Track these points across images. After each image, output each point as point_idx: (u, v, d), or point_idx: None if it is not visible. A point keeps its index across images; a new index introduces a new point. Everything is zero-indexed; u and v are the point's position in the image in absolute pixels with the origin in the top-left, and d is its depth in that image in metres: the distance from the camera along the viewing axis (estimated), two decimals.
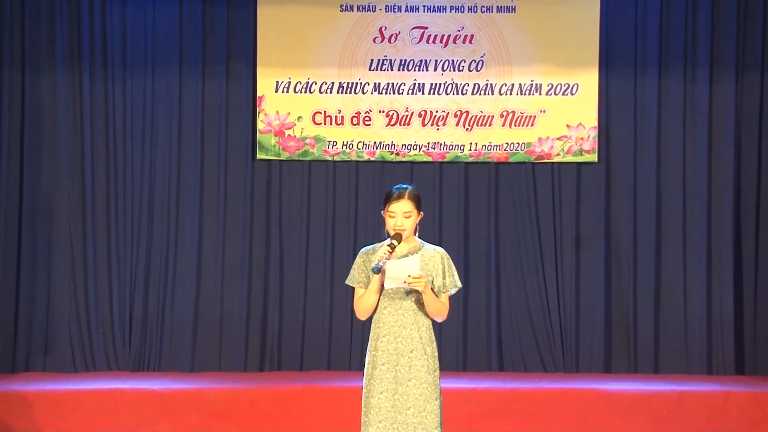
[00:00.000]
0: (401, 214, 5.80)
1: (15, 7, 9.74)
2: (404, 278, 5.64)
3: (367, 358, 5.87)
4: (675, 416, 8.92)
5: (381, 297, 5.84)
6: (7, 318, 9.74)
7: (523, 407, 8.99)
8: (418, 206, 5.88)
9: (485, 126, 9.94)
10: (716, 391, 9.11)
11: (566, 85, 9.93)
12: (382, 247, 5.77)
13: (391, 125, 9.93)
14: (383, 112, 9.93)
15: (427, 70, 9.93)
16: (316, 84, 9.90)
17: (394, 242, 5.75)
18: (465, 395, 8.92)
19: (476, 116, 9.93)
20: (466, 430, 8.73)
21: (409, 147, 9.94)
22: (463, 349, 9.94)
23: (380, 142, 9.94)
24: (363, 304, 5.88)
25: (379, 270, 5.65)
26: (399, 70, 9.92)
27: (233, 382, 9.32)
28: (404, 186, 5.95)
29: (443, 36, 9.92)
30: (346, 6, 9.88)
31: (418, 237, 5.97)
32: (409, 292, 5.79)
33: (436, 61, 9.92)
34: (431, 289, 5.82)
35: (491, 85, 9.93)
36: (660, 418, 8.92)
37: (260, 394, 9.04)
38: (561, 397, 9.06)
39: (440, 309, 5.85)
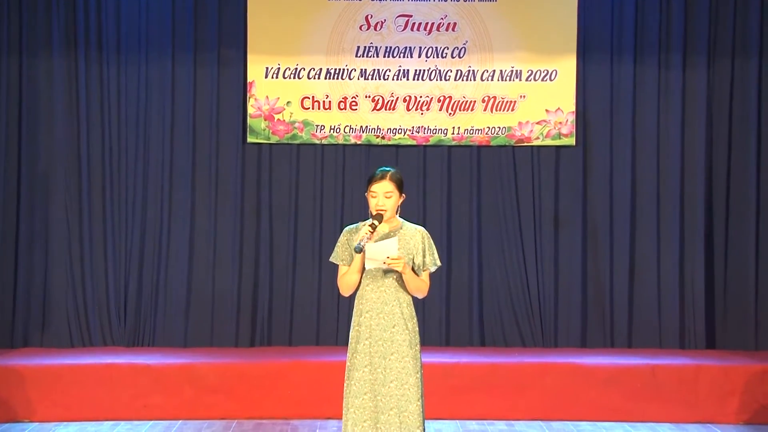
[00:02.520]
0: (382, 194, 5.84)
1: None
2: (384, 259, 5.69)
3: (351, 333, 5.90)
4: (648, 389, 8.92)
5: (364, 274, 5.87)
6: (6, 295, 9.74)
7: (503, 381, 8.98)
8: (400, 188, 5.91)
9: (467, 111, 9.94)
10: (688, 364, 9.11)
11: (545, 72, 9.93)
12: (364, 227, 5.80)
13: (377, 110, 9.93)
14: (369, 97, 9.92)
15: (411, 56, 9.92)
16: (304, 70, 9.89)
17: (375, 222, 5.78)
18: (447, 369, 8.92)
19: (459, 101, 9.94)
20: (449, 402, 8.73)
21: (394, 131, 9.94)
22: (445, 324, 9.95)
23: (366, 126, 9.93)
24: (346, 281, 5.93)
25: (360, 250, 5.69)
26: (384, 56, 9.92)
27: (225, 357, 9.30)
28: (387, 168, 5.99)
29: (427, 24, 9.91)
30: None
31: (400, 217, 5.99)
32: (390, 270, 5.81)
33: (420, 48, 9.91)
34: (412, 268, 5.85)
35: (473, 71, 9.94)
36: (634, 390, 8.91)
37: (251, 368, 9.02)
38: (539, 370, 9.05)
39: (420, 286, 5.89)
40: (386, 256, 5.69)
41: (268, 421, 8.71)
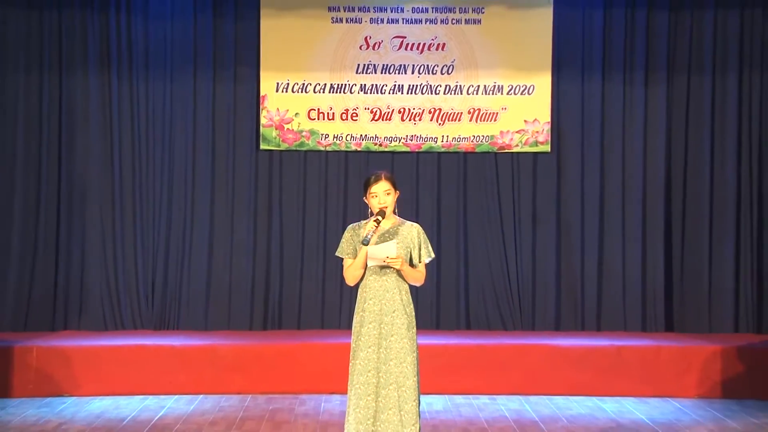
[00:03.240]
0: (382, 193, 5.86)
1: (53, 19, 9.73)
2: (384, 258, 5.73)
3: (355, 318, 5.90)
4: (615, 367, 8.97)
5: (367, 267, 5.87)
6: (48, 285, 9.76)
7: (487, 360, 9.03)
8: (394, 185, 5.91)
9: (455, 121, 9.98)
10: (649, 345, 9.16)
11: (524, 87, 9.95)
12: (369, 223, 5.82)
13: (375, 120, 9.95)
14: (368, 109, 9.95)
15: (405, 73, 9.95)
16: (311, 85, 9.91)
17: (379, 217, 5.80)
18: (438, 350, 8.96)
19: (447, 113, 9.97)
20: (439, 379, 8.73)
21: (390, 139, 9.97)
22: (436, 310, 9.99)
23: (366, 135, 9.95)
24: (351, 273, 5.92)
25: (367, 242, 5.71)
26: (382, 73, 9.94)
27: (240, 339, 9.32)
28: (378, 171, 6.00)
29: (419, 44, 9.94)
30: (337, 18, 9.90)
31: (398, 216, 6.02)
32: None
33: (413, 65, 9.94)
34: (410, 259, 5.88)
35: (460, 86, 9.96)
36: (602, 368, 8.96)
37: (264, 349, 9.05)
38: (519, 351, 9.09)
39: (417, 277, 5.90)
40: (386, 255, 5.71)
41: (279, 395, 8.72)
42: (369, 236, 5.73)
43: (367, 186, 5.93)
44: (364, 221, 5.99)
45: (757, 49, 9.97)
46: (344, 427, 5.89)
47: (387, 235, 5.94)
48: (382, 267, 5.86)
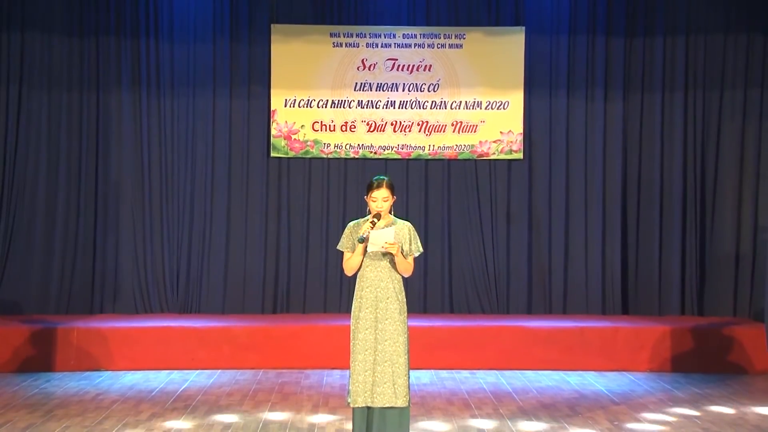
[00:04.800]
0: (381, 199, 5.79)
1: (91, 45, 9.72)
2: (382, 244, 5.68)
3: (354, 304, 5.85)
4: (578, 345, 8.97)
5: (364, 259, 5.83)
6: (87, 274, 9.76)
7: (468, 339, 9.02)
8: (393, 192, 5.85)
9: (440, 132, 9.93)
10: (608, 326, 9.17)
11: (500, 102, 9.92)
12: (366, 222, 5.76)
13: (371, 132, 9.91)
14: (365, 122, 9.90)
15: (397, 90, 9.91)
16: (314, 101, 9.87)
17: (375, 219, 5.76)
18: (425, 331, 8.94)
19: (433, 125, 9.93)
20: (426, 356, 8.73)
21: (383, 148, 9.93)
22: (423, 296, 9.94)
23: (362, 144, 9.91)
24: (350, 264, 5.86)
25: (363, 240, 5.68)
26: (376, 90, 9.90)
27: (253, 321, 9.32)
28: (382, 177, 5.90)
29: (409, 66, 9.91)
30: (337, 43, 9.86)
31: (393, 214, 5.96)
32: (385, 254, 5.78)
33: (404, 84, 9.91)
34: (402, 252, 5.83)
35: (445, 102, 9.93)
36: (567, 346, 8.97)
37: (274, 330, 9.04)
38: (495, 332, 9.09)
39: (407, 267, 5.87)
40: (385, 241, 5.66)
41: (287, 370, 8.70)
42: (365, 236, 5.69)
43: (369, 189, 5.85)
44: (363, 219, 5.91)
45: (700, 71, 9.98)
46: (346, 398, 5.88)
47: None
48: (383, 254, 5.78)
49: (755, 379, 8.62)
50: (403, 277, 5.91)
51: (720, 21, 9.90)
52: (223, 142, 9.90)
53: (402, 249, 5.83)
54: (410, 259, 5.89)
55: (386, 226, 5.85)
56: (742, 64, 9.89)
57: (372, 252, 5.79)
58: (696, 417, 7.10)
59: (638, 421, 6.97)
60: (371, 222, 5.75)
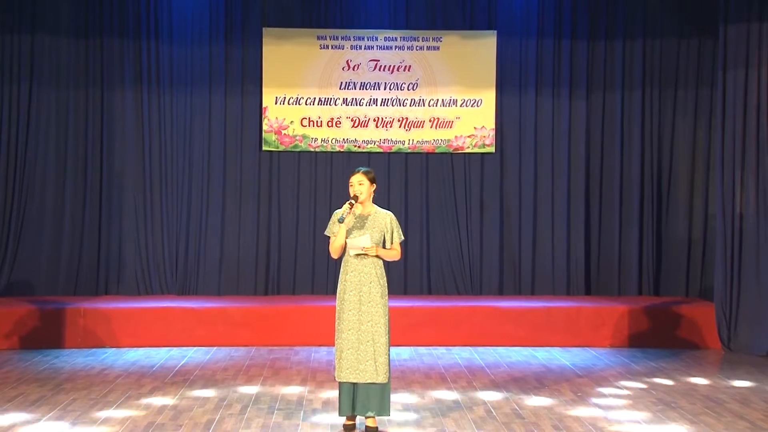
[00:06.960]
0: (356, 183, 5.82)
1: (96, 46, 9.68)
2: (361, 248, 5.71)
3: (339, 287, 5.85)
4: (545, 324, 8.99)
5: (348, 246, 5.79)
6: (92, 258, 9.74)
7: (445, 318, 9.02)
8: (370, 179, 5.85)
9: (419, 128, 9.92)
10: (572, 306, 9.18)
11: (473, 100, 9.92)
12: (345, 205, 5.78)
13: (355, 127, 9.88)
14: (349, 118, 9.88)
15: (379, 89, 9.88)
16: (303, 99, 9.83)
17: (353, 201, 5.77)
18: (405, 311, 8.93)
19: (413, 121, 9.91)
20: (406, 334, 8.73)
21: (366, 142, 9.90)
22: (404, 279, 9.93)
23: (347, 139, 9.88)
24: (335, 246, 5.84)
25: (342, 220, 5.69)
26: (360, 89, 9.87)
27: (247, 302, 9.30)
28: (360, 168, 5.95)
29: (390, 66, 9.88)
30: (324, 45, 9.81)
31: (374, 204, 5.94)
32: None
33: (385, 83, 9.88)
34: (383, 242, 5.83)
35: (423, 99, 9.91)
36: (535, 325, 8.98)
37: (266, 310, 9.02)
38: (470, 311, 9.08)
39: (393, 255, 5.87)
40: (362, 246, 5.71)
41: (278, 347, 8.69)
42: (344, 216, 5.71)
43: (349, 178, 5.91)
44: (346, 204, 5.88)
45: (656, 72, 10.02)
46: (334, 374, 5.89)
47: (365, 221, 5.86)
48: (359, 254, 5.79)
49: (705, 353, 8.68)
50: (385, 262, 5.89)
51: (674, 27, 9.95)
52: (218, 137, 9.86)
53: (384, 238, 5.84)
54: (396, 246, 5.89)
55: (369, 214, 5.84)
56: (694, 65, 9.96)
57: (354, 254, 5.79)
58: (652, 388, 7.15)
59: (599, 392, 7.00)
60: (349, 204, 5.77)
